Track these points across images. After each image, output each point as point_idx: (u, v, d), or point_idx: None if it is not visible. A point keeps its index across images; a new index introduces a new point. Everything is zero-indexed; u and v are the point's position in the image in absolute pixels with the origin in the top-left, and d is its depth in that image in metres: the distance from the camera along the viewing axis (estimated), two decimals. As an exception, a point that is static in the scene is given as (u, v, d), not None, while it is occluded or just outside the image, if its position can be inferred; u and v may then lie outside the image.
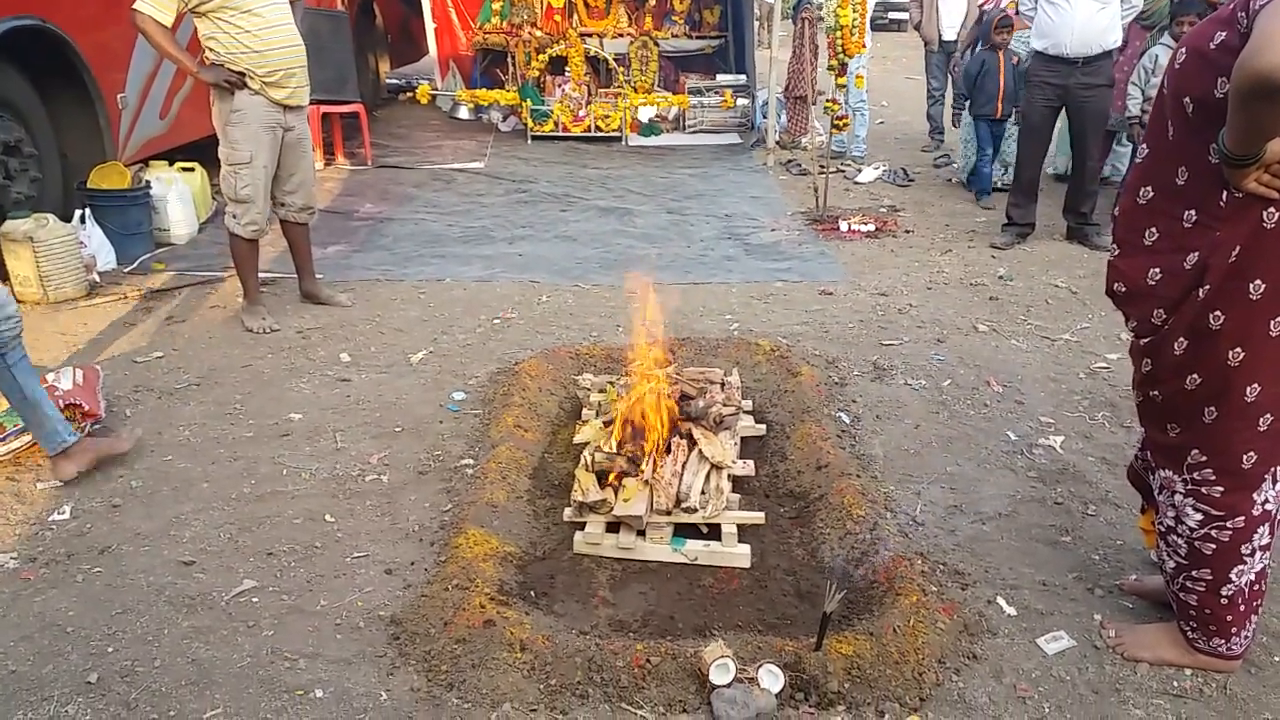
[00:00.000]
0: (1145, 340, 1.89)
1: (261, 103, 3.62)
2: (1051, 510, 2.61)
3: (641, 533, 2.46)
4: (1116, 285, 1.92)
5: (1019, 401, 3.27)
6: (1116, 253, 1.92)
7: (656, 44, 8.98)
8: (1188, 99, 1.72)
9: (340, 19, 7.06)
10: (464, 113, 9.17)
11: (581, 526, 2.50)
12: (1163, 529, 1.97)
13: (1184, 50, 1.76)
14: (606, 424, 2.90)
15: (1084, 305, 4.20)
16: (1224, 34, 1.65)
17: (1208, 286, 1.74)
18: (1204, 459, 1.86)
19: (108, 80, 4.78)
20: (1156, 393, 1.91)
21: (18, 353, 2.52)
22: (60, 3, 4.41)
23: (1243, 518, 1.85)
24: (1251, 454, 1.81)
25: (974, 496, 2.67)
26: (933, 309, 4.18)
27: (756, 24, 10.01)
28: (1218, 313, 1.75)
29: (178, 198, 4.95)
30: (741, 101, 8.57)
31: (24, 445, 2.72)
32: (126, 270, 4.51)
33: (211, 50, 3.55)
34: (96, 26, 4.66)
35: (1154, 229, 1.83)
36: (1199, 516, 1.88)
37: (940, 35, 7.33)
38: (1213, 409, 1.81)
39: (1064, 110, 5.00)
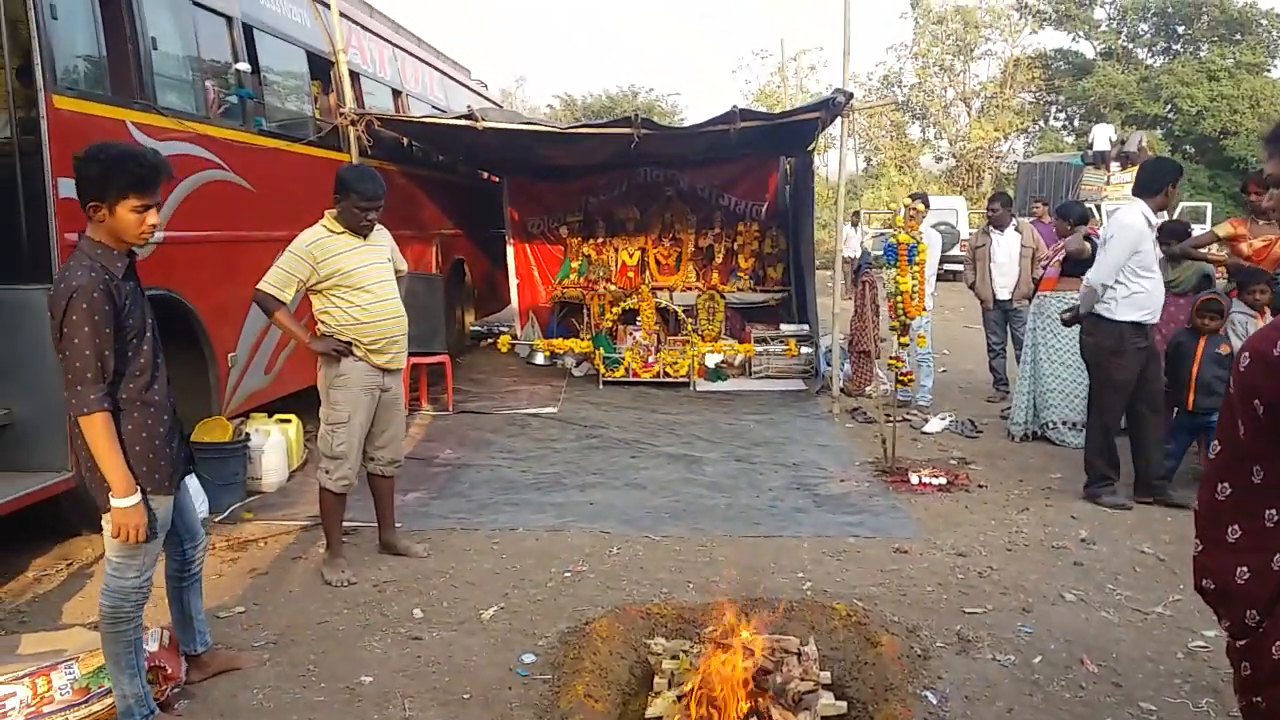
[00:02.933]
0: (1241, 642, 1.82)
1: (364, 368, 3.92)
2: (1167, 818, 2.39)
3: (719, 829, 2.32)
4: (1205, 582, 1.87)
5: (1116, 684, 3.08)
6: (1200, 549, 1.89)
7: (723, 297, 9.51)
8: (1257, 401, 1.76)
9: (435, 281, 7.73)
10: (540, 359, 9.68)
11: (655, 819, 2.37)
12: None
13: (1248, 354, 1.82)
14: (679, 698, 2.82)
15: (1173, 574, 4.03)
16: None
17: (1299, 589, 1.70)
18: (1319, 775, 1.72)
19: (222, 342, 5.25)
20: (1260, 699, 1.80)
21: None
22: (186, 277, 4.94)
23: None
24: (1371, 773, 1.67)
25: (1078, 798, 2.47)
26: (1015, 573, 4.06)
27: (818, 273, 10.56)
28: (1314, 618, 1.68)
29: (273, 448, 5.25)
30: (805, 350, 8.88)
31: (105, 709, 2.75)
32: (217, 520, 4.71)
33: (324, 323, 3.91)
34: (217, 295, 5.19)
35: (1236, 526, 1.81)
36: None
37: (995, 295, 7.64)
38: (1323, 722, 1.70)
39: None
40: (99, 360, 2.49)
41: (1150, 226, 4.85)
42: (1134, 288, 4.84)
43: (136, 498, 2.57)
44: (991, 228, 7.70)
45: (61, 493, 4.03)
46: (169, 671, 2.87)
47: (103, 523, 2.64)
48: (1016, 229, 7.61)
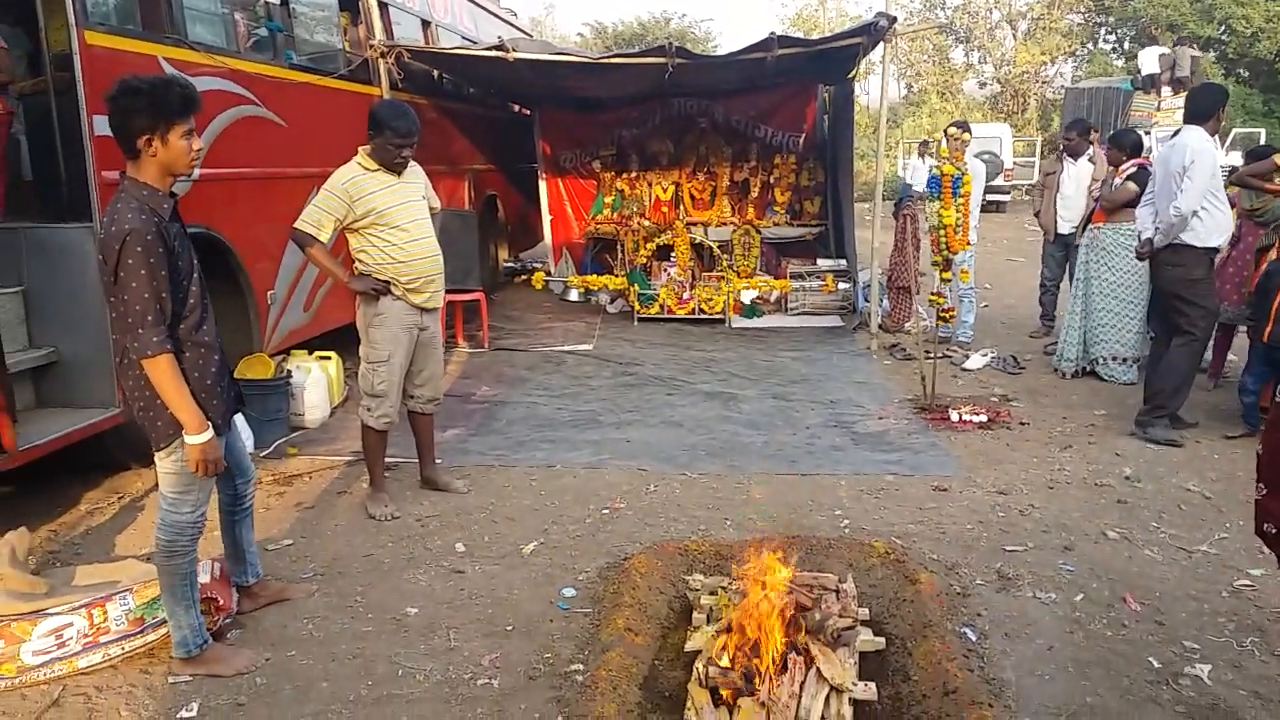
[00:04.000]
0: (1305, 587, 1.78)
1: (402, 307, 3.92)
2: (1209, 756, 2.38)
3: (760, 761, 2.36)
4: (1266, 526, 1.83)
5: (1159, 622, 3.06)
6: (1264, 492, 1.85)
7: (758, 231, 9.35)
8: None
9: (469, 217, 7.68)
10: (574, 295, 9.64)
11: (696, 750, 2.42)
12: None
13: None
14: (719, 632, 2.85)
15: (1219, 513, 3.96)
16: None
17: (1368, 534, 1.65)
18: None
19: (261, 280, 5.28)
20: (1321, 644, 1.78)
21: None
22: (223, 214, 4.94)
23: None
24: None
25: (1120, 736, 2.47)
26: (1056, 511, 4.02)
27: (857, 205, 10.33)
28: (1383, 562, 1.64)
29: (314, 385, 5.31)
30: (843, 285, 8.75)
31: (159, 639, 2.84)
32: (263, 454, 4.79)
33: (360, 261, 3.90)
34: (254, 232, 5.20)
35: (1303, 471, 1.76)
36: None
37: (1056, 227, 7.34)
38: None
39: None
40: (157, 302, 2.48)
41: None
42: (1215, 213, 4.82)
43: (209, 433, 2.62)
44: (1066, 156, 7.34)
45: (108, 429, 4.11)
46: (221, 602, 2.95)
47: (156, 459, 2.68)
48: (1091, 159, 7.21)
